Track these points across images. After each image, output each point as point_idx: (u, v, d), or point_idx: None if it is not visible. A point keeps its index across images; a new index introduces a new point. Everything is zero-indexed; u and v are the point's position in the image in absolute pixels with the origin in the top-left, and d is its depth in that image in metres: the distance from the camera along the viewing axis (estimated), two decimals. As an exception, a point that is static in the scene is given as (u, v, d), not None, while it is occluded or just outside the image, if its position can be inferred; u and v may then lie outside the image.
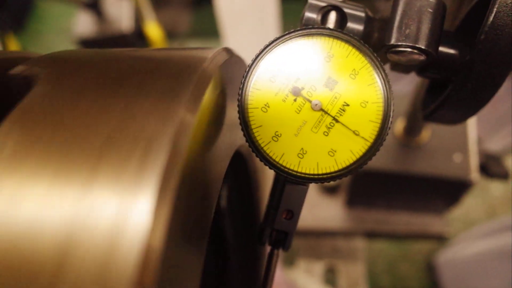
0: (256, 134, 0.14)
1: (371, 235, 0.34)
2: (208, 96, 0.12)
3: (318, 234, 0.35)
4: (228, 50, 0.14)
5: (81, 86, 0.12)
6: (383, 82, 0.13)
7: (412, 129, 0.27)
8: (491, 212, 0.47)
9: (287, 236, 0.15)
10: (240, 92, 0.14)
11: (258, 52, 0.14)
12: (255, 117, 0.14)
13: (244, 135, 0.14)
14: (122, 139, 0.10)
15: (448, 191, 0.28)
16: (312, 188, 0.34)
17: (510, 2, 0.13)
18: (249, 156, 0.22)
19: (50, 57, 0.14)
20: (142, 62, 0.13)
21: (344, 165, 0.14)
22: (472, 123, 0.28)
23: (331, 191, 0.34)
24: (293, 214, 0.14)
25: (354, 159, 0.14)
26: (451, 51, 0.15)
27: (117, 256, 0.09)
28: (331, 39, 0.13)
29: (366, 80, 0.13)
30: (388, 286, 0.42)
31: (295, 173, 0.14)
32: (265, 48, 0.14)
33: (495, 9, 0.13)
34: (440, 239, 0.34)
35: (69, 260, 0.09)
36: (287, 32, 0.14)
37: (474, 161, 0.27)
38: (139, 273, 0.08)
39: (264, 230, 0.15)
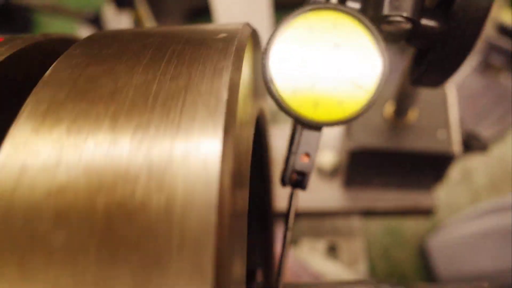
0: (279, 90, 0.17)
1: (367, 213, 0.37)
2: (246, 59, 0.15)
3: (319, 215, 0.38)
4: (249, 24, 0.17)
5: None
6: (379, 45, 0.17)
7: (400, 111, 0.31)
8: (475, 199, 0.51)
9: (305, 176, 0.18)
10: (264, 55, 0.17)
11: (278, 23, 0.17)
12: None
13: (270, 92, 0.17)
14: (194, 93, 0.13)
15: (434, 165, 0.32)
16: (313, 174, 0.38)
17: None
18: (263, 131, 0.25)
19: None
20: (192, 30, 0.17)
21: (350, 113, 0.17)
22: (453, 104, 0.32)
23: (330, 175, 0.38)
24: (310, 156, 0.18)
25: (358, 108, 0.17)
26: (431, 23, 0.18)
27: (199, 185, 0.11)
28: (336, 12, 0.17)
29: (367, 45, 0.17)
30: (383, 270, 0.45)
31: (311, 120, 0.17)
32: (282, 21, 0.17)
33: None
34: (429, 214, 0.37)
35: (166, 181, 0.11)
36: (298, 8, 0.17)
37: (456, 137, 0.31)
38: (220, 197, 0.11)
39: (286, 172, 0.18)
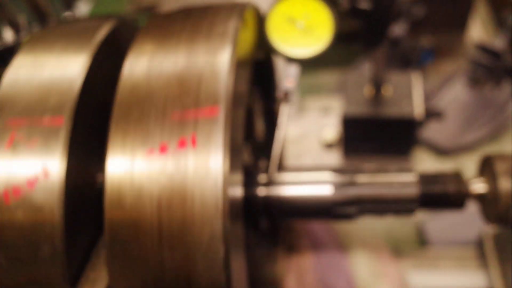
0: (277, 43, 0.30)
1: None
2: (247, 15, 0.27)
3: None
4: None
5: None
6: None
7: (377, 89, 0.43)
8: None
9: (290, 94, 0.31)
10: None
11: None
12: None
13: (272, 44, 0.30)
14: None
15: (403, 128, 0.43)
16: (315, 145, 0.49)
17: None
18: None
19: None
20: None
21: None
22: (416, 85, 0.44)
23: (331, 146, 0.49)
24: (293, 80, 0.30)
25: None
26: (363, 6, 0.31)
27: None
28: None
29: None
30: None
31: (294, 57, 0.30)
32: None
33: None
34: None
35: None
36: None
37: (417, 108, 0.42)
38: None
39: (279, 92, 0.31)
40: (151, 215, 0.21)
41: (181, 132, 0.21)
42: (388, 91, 0.44)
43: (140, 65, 0.24)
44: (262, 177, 0.30)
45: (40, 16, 0.40)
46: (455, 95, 0.67)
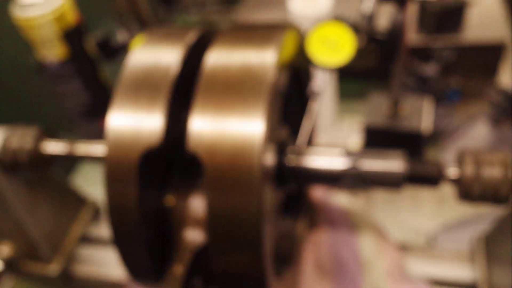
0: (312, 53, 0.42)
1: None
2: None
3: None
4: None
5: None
6: (352, 34, 0.41)
7: (393, 107, 0.53)
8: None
9: (318, 94, 0.42)
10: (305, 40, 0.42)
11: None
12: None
13: (308, 55, 0.42)
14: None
15: (412, 140, 0.53)
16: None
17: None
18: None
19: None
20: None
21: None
22: (427, 107, 0.54)
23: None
24: (322, 83, 0.42)
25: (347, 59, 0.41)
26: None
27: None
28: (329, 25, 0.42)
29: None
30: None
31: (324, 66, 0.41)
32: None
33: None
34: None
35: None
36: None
37: (425, 124, 0.52)
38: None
39: (309, 88, 0.42)
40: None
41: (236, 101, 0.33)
42: (403, 109, 0.54)
43: (215, 57, 0.36)
44: (291, 149, 0.41)
45: (142, 22, 0.54)
46: (477, 132, 0.75)
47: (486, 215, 0.61)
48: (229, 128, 0.32)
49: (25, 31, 0.62)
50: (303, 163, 0.40)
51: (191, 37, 0.39)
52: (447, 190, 0.69)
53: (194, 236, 0.37)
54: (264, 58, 0.34)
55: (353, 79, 0.80)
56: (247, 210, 0.31)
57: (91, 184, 0.84)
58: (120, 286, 0.59)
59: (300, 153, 0.41)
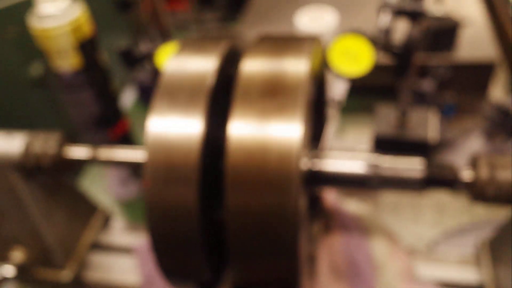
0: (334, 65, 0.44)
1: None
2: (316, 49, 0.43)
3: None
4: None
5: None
6: (370, 46, 0.44)
7: (401, 117, 0.56)
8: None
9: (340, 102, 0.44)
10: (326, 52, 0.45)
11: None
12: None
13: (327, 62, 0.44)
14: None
15: (419, 149, 0.56)
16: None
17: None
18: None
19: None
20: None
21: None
22: (432, 119, 0.57)
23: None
24: (341, 90, 0.44)
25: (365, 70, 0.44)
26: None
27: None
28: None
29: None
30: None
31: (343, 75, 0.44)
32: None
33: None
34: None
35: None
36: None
37: (431, 134, 0.55)
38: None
39: (328, 99, 0.44)
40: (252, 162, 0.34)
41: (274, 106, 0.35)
42: (410, 121, 0.57)
43: (252, 64, 0.38)
44: (315, 153, 0.43)
45: (163, 34, 0.57)
46: (472, 145, 0.79)
47: (486, 222, 0.64)
48: (268, 132, 0.34)
49: (41, 41, 0.63)
50: (327, 167, 0.43)
51: (225, 46, 0.41)
52: (447, 199, 0.72)
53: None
54: (299, 67, 0.36)
55: (356, 95, 0.84)
56: (286, 211, 0.33)
57: (97, 187, 0.84)
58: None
59: (324, 157, 0.43)
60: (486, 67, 0.84)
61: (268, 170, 0.33)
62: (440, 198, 0.72)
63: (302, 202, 0.34)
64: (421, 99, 0.77)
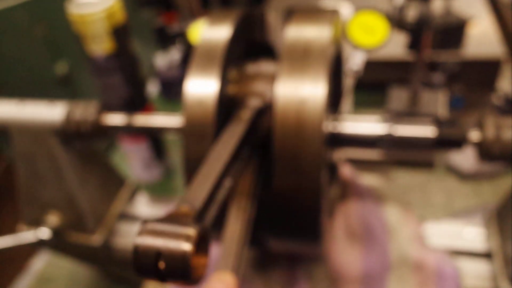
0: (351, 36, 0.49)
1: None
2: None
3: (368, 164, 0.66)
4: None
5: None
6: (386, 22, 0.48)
7: (413, 96, 0.60)
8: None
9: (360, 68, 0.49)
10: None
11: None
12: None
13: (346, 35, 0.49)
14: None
15: None
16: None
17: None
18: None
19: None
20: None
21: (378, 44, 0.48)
22: (443, 97, 0.61)
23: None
24: (360, 61, 0.49)
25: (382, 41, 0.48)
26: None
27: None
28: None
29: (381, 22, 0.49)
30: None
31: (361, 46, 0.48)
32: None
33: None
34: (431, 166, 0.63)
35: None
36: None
37: (441, 110, 0.59)
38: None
39: (350, 66, 0.49)
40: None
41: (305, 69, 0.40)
42: (421, 99, 0.61)
43: (292, 31, 0.43)
44: (334, 117, 0.48)
45: (192, 14, 0.62)
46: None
47: (491, 205, 0.67)
48: (302, 92, 0.39)
49: (78, 27, 0.69)
50: (345, 129, 0.47)
51: (237, 16, 0.46)
52: (455, 183, 0.75)
53: (255, 101, 0.43)
54: (322, 34, 0.41)
55: (368, 90, 0.88)
56: (311, 146, 0.37)
57: (124, 165, 0.89)
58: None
59: (342, 120, 0.47)
60: (493, 63, 0.89)
61: (301, 124, 0.38)
62: (449, 182, 0.76)
63: (324, 147, 0.39)
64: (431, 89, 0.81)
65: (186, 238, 0.22)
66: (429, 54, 0.77)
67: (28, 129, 0.56)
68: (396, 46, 0.77)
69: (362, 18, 0.48)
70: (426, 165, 0.67)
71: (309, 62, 0.40)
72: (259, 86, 0.46)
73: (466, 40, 0.89)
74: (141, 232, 0.23)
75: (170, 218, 0.24)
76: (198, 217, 0.26)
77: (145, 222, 0.24)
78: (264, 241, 0.45)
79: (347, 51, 0.51)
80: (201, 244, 0.22)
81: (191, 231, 0.22)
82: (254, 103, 0.45)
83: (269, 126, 0.41)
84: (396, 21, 0.49)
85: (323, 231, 0.42)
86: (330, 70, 0.40)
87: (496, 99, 0.80)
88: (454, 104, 0.84)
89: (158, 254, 0.22)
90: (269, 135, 0.40)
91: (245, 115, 0.42)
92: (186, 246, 0.21)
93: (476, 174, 0.74)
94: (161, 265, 0.22)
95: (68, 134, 0.55)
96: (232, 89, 0.46)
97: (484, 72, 0.90)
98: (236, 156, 0.36)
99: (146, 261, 0.22)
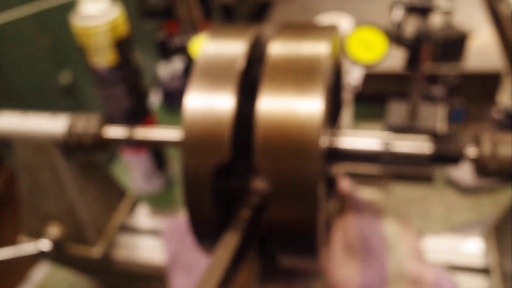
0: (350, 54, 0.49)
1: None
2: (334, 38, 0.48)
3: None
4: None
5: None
6: (384, 37, 0.49)
7: (412, 110, 0.61)
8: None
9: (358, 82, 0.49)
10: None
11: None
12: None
13: (346, 53, 0.49)
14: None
15: None
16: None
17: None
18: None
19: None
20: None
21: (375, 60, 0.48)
22: (440, 113, 0.61)
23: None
24: (358, 75, 0.49)
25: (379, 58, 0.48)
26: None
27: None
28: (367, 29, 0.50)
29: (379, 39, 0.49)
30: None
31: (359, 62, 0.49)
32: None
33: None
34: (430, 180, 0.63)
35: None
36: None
37: (439, 125, 0.60)
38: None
39: (349, 81, 0.49)
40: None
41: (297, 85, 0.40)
42: (420, 113, 0.62)
43: (276, 47, 0.44)
44: (332, 132, 0.48)
45: (194, 27, 0.63)
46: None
47: (490, 219, 0.67)
48: (294, 106, 0.39)
49: (81, 39, 0.70)
50: (343, 144, 0.47)
51: (253, 32, 0.46)
52: (455, 197, 0.75)
53: (261, 185, 0.43)
54: (320, 49, 0.42)
55: (367, 102, 0.88)
56: (308, 170, 0.38)
57: (125, 176, 0.90)
58: (156, 270, 0.63)
59: (340, 135, 0.47)
60: (493, 76, 0.89)
61: (291, 139, 0.38)
62: (448, 196, 0.76)
63: (322, 167, 0.39)
64: (431, 103, 0.82)
65: None
66: (429, 67, 0.78)
67: (30, 141, 0.57)
68: (395, 58, 0.78)
69: (360, 33, 0.49)
70: (425, 179, 0.67)
71: (303, 75, 0.40)
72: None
73: (466, 53, 0.90)
74: None
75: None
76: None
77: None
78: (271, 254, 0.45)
79: (346, 66, 0.52)
80: None
81: None
82: (254, 199, 0.43)
83: (268, 218, 0.39)
84: (395, 37, 0.49)
85: (320, 253, 0.42)
86: (328, 85, 0.40)
87: (496, 113, 0.80)
88: (454, 117, 0.85)
89: None
90: (269, 228, 0.40)
91: (245, 214, 0.41)
92: None
93: (476, 188, 0.74)
94: None
95: (69, 146, 0.56)
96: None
97: (484, 85, 0.90)
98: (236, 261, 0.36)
99: None
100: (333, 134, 0.48)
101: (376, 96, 0.85)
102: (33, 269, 0.80)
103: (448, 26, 0.87)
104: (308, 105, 0.39)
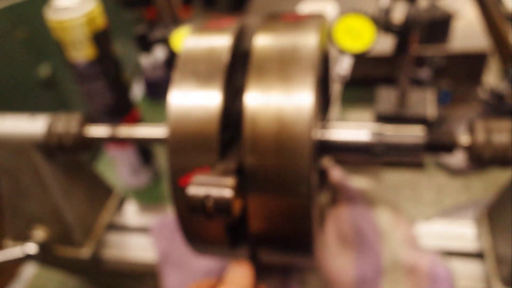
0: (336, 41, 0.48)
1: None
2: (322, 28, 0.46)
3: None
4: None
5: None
6: (372, 25, 0.47)
7: (401, 97, 0.60)
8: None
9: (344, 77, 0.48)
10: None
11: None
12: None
13: (333, 43, 0.48)
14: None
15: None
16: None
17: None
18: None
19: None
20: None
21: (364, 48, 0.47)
22: (430, 98, 0.60)
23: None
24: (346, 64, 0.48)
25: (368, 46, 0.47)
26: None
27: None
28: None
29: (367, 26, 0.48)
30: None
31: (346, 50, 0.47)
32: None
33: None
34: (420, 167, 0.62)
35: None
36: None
37: (430, 111, 0.59)
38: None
39: (337, 72, 0.48)
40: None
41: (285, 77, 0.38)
42: (409, 100, 0.61)
43: (262, 39, 0.42)
44: (322, 124, 0.47)
45: (174, 20, 0.61)
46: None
47: (482, 200, 0.68)
48: (283, 100, 0.37)
49: (57, 33, 0.67)
50: (334, 136, 0.46)
51: (237, 26, 0.45)
52: (445, 180, 0.75)
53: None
54: (308, 40, 0.40)
55: (356, 86, 0.87)
56: (300, 165, 0.36)
57: (111, 173, 0.88)
58: (146, 267, 0.62)
59: (331, 127, 0.46)
60: (479, 56, 0.88)
61: (282, 134, 0.37)
62: (439, 179, 0.76)
63: (313, 160, 0.38)
64: (418, 86, 0.81)
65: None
66: (416, 50, 0.77)
67: (8, 143, 0.55)
68: (384, 42, 0.76)
69: (347, 21, 0.47)
70: (417, 165, 0.67)
71: (291, 67, 0.39)
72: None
73: (452, 34, 0.89)
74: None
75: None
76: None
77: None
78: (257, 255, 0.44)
79: (333, 55, 0.50)
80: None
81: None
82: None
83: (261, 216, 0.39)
84: (383, 24, 0.48)
85: (315, 248, 0.41)
86: (317, 76, 0.39)
87: (482, 93, 0.79)
88: (441, 99, 0.84)
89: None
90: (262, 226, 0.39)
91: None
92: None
93: (466, 170, 0.74)
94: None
95: (50, 147, 0.54)
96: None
97: (470, 65, 0.90)
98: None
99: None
100: (324, 127, 0.46)
101: (364, 80, 0.84)
102: (22, 269, 0.78)
103: (433, 7, 0.85)
104: (298, 98, 0.37)
